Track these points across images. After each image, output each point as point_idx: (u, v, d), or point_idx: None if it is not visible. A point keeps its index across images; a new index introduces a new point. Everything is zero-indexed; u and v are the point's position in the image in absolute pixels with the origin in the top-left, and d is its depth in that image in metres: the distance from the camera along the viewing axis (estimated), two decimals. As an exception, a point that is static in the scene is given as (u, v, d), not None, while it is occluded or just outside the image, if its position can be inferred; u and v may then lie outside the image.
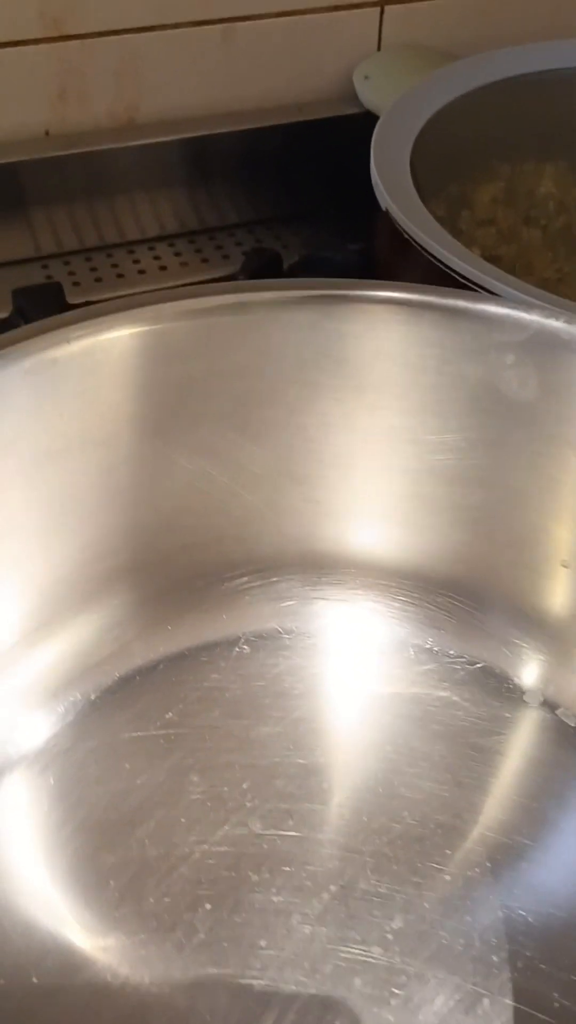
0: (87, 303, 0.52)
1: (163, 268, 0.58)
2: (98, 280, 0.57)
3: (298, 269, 0.56)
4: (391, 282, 0.32)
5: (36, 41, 0.54)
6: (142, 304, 0.31)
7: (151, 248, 0.60)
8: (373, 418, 0.33)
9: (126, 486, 0.34)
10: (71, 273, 0.58)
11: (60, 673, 0.34)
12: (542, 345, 0.30)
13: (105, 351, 0.31)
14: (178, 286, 0.56)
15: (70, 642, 0.35)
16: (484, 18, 0.62)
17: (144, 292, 0.31)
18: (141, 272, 0.58)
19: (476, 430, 0.32)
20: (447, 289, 0.31)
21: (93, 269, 0.58)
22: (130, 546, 0.35)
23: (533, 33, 0.62)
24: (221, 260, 0.59)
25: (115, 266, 0.58)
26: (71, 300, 0.52)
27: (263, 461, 0.34)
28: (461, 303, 0.31)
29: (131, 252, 0.59)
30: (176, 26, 0.57)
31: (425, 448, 0.33)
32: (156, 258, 0.59)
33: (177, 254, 0.60)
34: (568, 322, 0.29)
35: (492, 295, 0.33)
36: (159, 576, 0.36)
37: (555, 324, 0.30)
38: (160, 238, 0.60)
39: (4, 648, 0.32)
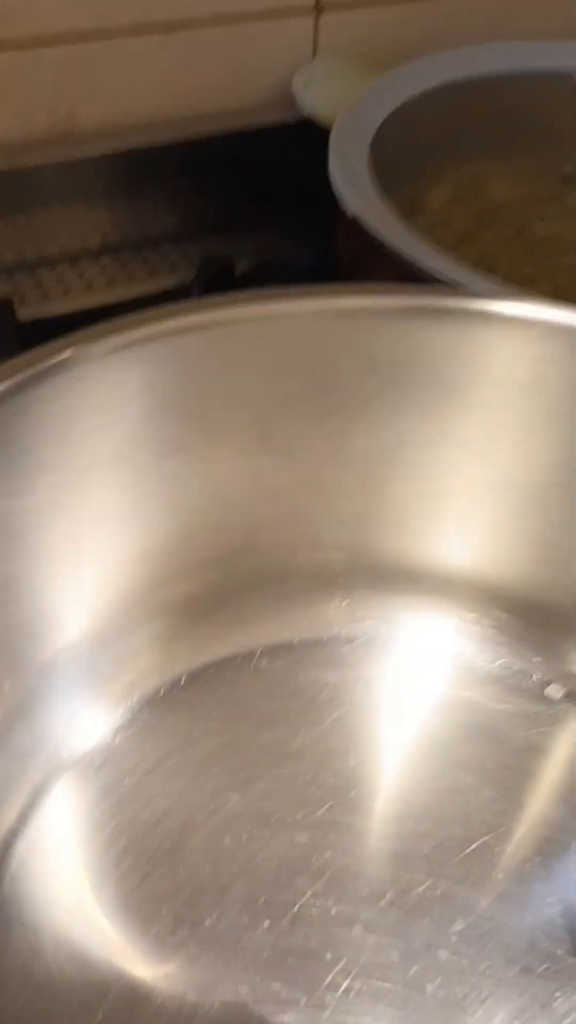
0: (36, 320, 0.52)
1: (110, 281, 0.57)
2: (44, 296, 0.56)
3: (253, 275, 0.55)
4: (391, 285, 0.32)
5: (-28, 50, 0.52)
6: (160, 318, 0.30)
7: (96, 260, 0.59)
8: (387, 425, 0.33)
9: (146, 506, 0.33)
10: (16, 289, 0.56)
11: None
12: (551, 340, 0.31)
13: (127, 366, 0.30)
14: (125, 300, 0.55)
15: (88, 664, 0.34)
16: (417, 24, 0.63)
17: (159, 308, 0.30)
18: (88, 286, 0.57)
19: (513, 428, 0.32)
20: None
21: (39, 284, 0.57)
22: (150, 565, 0.34)
23: (464, 37, 0.63)
24: (168, 271, 0.59)
25: (61, 280, 0.57)
26: (21, 317, 0.51)
27: (283, 471, 0.34)
28: (489, 306, 0.31)
29: (76, 265, 0.58)
30: (113, 34, 0.56)
31: (438, 448, 0.34)
32: (102, 270, 0.58)
33: (123, 266, 0.59)
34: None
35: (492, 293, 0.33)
36: (177, 594, 0.35)
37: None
38: (105, 250, 0.59)
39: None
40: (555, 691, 0.35)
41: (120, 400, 0.31)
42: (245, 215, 0.61)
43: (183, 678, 0.35)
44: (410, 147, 0.54)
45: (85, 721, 0.34)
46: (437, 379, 0.32)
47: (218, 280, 0.54)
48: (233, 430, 0.32)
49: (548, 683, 0.36)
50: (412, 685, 0.36)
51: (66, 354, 0.29)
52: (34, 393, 0.28)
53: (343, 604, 0.37)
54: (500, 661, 0.36)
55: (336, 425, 0.33)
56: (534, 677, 0.36)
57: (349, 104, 0.53)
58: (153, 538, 0.33)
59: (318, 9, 0.61)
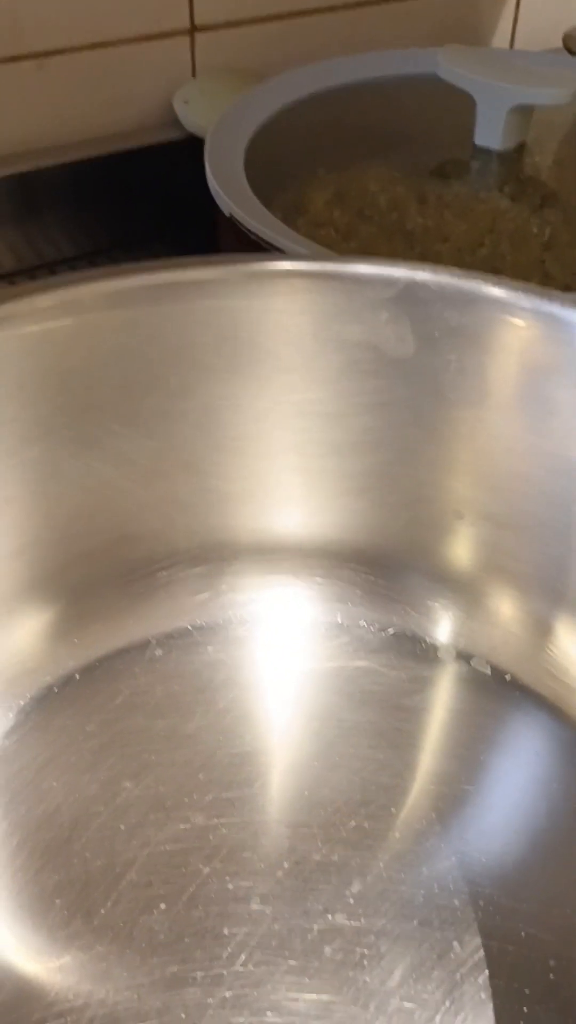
0: None
1: (6, 305, 0.57)
2: None
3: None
4: (257, 254, 0.33)
5: None
6: (11, 297, 0.30)
7: (-10, 287, 0.59)
8: (259, 396, 0.34)
9: (14, 495, 0.33)
10: None
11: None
12: (413, 299, 0.31)
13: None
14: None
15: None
16: (289, 40, 0.65)
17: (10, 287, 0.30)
18: (-16, 311, 0.57)
19: (360, 394, 0.33)
20: (315, 254, 0.31)
21: None
22: (26, 559, 0.34)
23: (333, 51, 0.65)
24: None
25: (-45, 308, 0.57)
26: None
27: (153, 453, 0.34)
28: (331, 266, 0.32)
29: (-30, 293, 0.58)
30: (-11, 64, 0.56)
31: (313, 420, 0.34)
32: (-3, 296, 0.58)
33: (18, 290, 0.59)
34: (434, 273, 0.31)
35: (361, 256, 0.34)
36: (59, 588, 0.35)
37: (423, 275, 0.31)
38: (0, 276, 0.59)
39: None
40: (446, 653, 0.36)
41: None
42: (135, 233, 0.62)
43: (77, 674, 0.35)
44: (287, 153, 0.55)
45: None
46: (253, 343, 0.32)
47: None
48: (96, 410, 0.32)
49: (435, 645, 0.36)
50: (303, 659, 0.36)
51: None
52: None
53: (232, 587, 0.37)
54: (388, 630, 0.36)
55: (199, 400, 0.33)
56: (423, 640, 0.36)
57: (222, 113, 0.54)
58: (28, 531, 0.33)
59: (193, 29, 0.62)
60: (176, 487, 0.35)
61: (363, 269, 0.31)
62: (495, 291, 0.30)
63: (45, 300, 0.30)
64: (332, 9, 0.66)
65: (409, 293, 0.31)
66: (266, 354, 0.32)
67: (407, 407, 0.33)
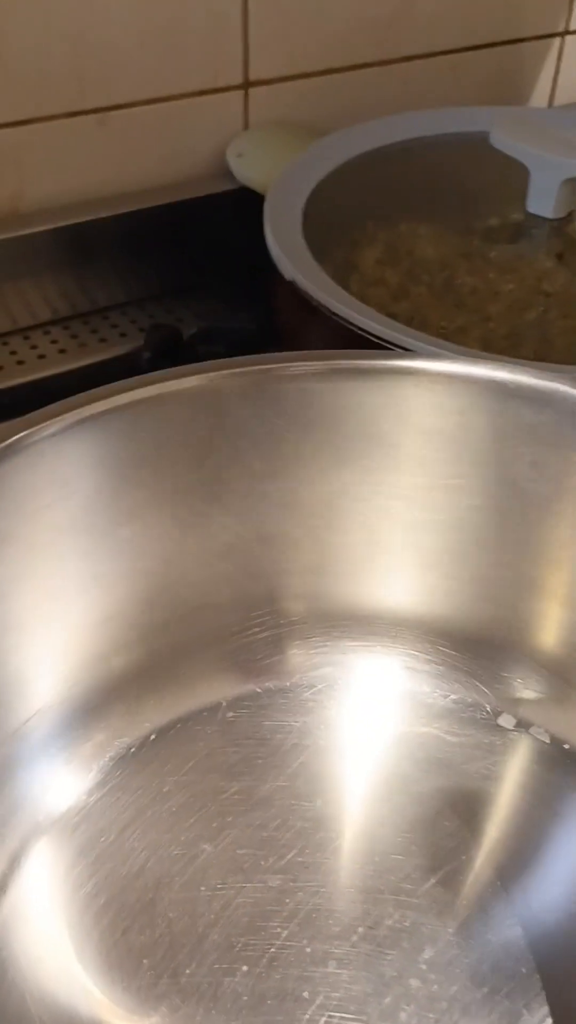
0: (-7, 392, 0.54)
1: (62, 351, 0.59)
2: (0, 368, 0.58)
3: (198, 340, 0.57)
4: (339, 351, 0.34)
5: None
6: (107, 395, 0.32)
7: (46, 332, 0.61)
8: (337, 477, 0.35)
9: (106, 571, 0.34)
10: (-28, 364, 0.58)
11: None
12: (490, 395, 0.33)
13: (78, 441, 0.32)
14: (80, 368, 0.57)
15: (59, 728, 0.35)
16: (339, 94, 0.66)
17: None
18: (41, 356, 0.59)
19: (437, 477, 0.35)
20: (393, 353, 0.33)
21: (-7, 358, 0.58)
22: (110, 628, 0.35)
23: (384, 105, 0.67)
24: (118, 338, 0.61)
25: (13, 353, 0.59)
26: (-23, 390, 0.53)
27: (234, 529, 0.35)
28: (413, 364, 0.33)
29: (27, 338, 0.60)
30: (52, 118, 0.58)
31: (388, 500, 0.36)
32: (53, 342, 0.60)
33: (74, 336, 0.61)
34: (512, 372, 0.32)
35: (443, 355, 0.36)
36: (139, 654, 0.37)
37: (502, 375, 0.32)
38: (54, 322, 0.61)
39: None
40: (507, 721, 0.37)
41: (74, 474, 0.32)
42: (188, 282, 0.64)
43: (152, 735, 0.37)
44: (341, 211, 0.57)
45: (59, 784, 0.35)
46: (370, 433, 0.34)
47: (166, 345, 0.57)
48: (183, 493, 0.34)
49: (500, 713, 0.37)
50: (371, 724, 0.37)
51: (21, 434, 0.31)
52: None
53: (302, 652, 0.38)
54: (452, 696, 0.38)
55: (281, 482, 0.35)
56: (487, 708, 0.38)
57: (280, 173, 0.56)
58: (113, 602, 0.35)
59: (247, 84, 0.64)
60: (252, 560, 0.36)
61: (441, 367, 0.33)
62: (572, 392, 0.32)
63: (139, 393, 0.32)
64: (381, 63, 0.67)
65: (487, 390, 0.33)
66: (345, 440, 0.34)
67: (482, 495, 0.34)
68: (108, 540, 0.33)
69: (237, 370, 0.33)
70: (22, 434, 0.30)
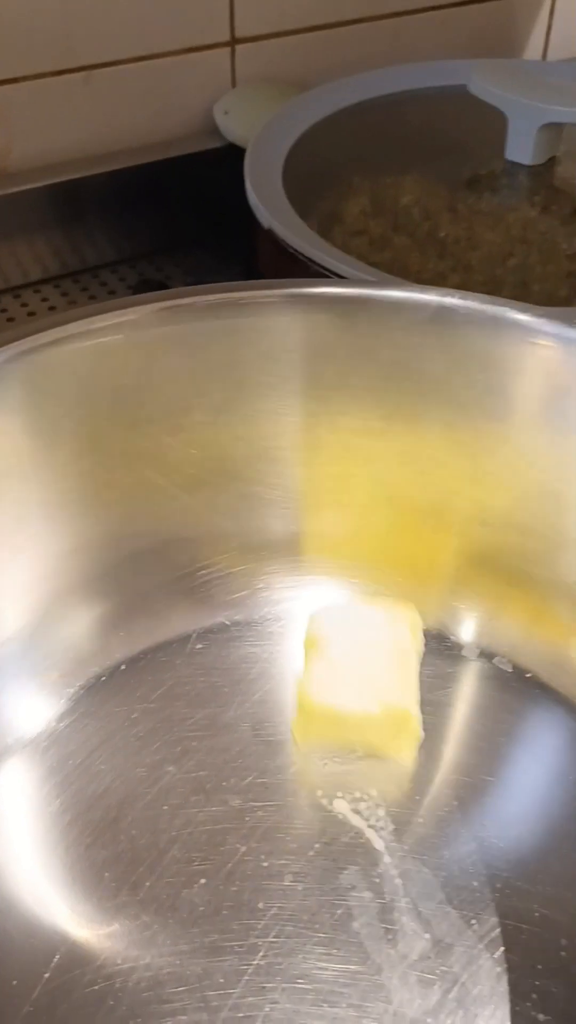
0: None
1: (52, 309, 0.60)
2: (-10, 326, 0.58)
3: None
4: (289, 279, 0.35)
5: None
6: (73, 319, 0.32)
7: (37, 291, 0.61)
8: (296, 409, 0.36)
9: (70, 500, 0.35)
10: (-38, 321, 0.58)
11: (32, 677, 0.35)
12: (442, 322, 0.33)
13: (43, 369, 0.33)
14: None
15: (29, 656, 0.36)
16: (327, 50, 0.67)
17: (73, 310, 0.33)
18: (31, 314, 0.60)
19: (392, 408, 0.35)
20: (351, 280, 0.34)
21: (-17, 315, 0.59)
22: (79, 559, 0.36)
23: (372, 60, 0.67)
24: (107, 296, 0.61)
25: (4, 311, 0.60)
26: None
27: (197, 462, 0.36)
28: (367, 291, 0.34)
29: (17, 296, 0.61)
30: (40, 76, 0.59)
31: (346, 434, 0.36)
32: (44, 300, 0.61)
33: (64, 294, 0.61)
34: (463, 298, 0.33)
35: (395, 282, 0.36)
36: (109, 586, 0.37)
37: (452, 301, 0.33)
38: (45, 280, 0.62)
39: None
40: (470, 651, 0.38)
41: (32, 402, 0.33)
42: (177, 239, 0.64)
43: (123, 665, 0.38)
44: (324, 164, 0.57)
45: (30, 709, 0.36)
46: (328, 364, 0.34)
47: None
48: (144, 424, 0.34)
49: (464, 644, 0.38)
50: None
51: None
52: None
53: (270, 586, 0.39)
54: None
55: (243, 413, 0.35)
56: (451, 639, 0.38)
57: (262, 125, 0.56)
58: (79, 533, 0.36)
59: (233, 41, 0.64)
60: (218, 493, 0.37)
61: (397, 294, 0.33)
62: (520, 316, 0.32)
63: (100, 321, 0.32)
64: (369, 19, 0.67)
65: (439, 317, 0.33)
66: (304, 371, 0.35)
67: (437, 421, 0.35)
68: (70, 471, 0.34)
69: (197, 297, 0.34)
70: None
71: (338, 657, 0.35)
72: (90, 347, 0.33)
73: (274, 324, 0.34)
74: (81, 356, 0.33)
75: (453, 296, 0.33)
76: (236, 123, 0.63)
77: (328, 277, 0.44)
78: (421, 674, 0.36)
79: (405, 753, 0.34)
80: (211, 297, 0.34)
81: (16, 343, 0.31)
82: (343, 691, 0.34)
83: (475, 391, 0.34)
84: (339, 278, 0.42)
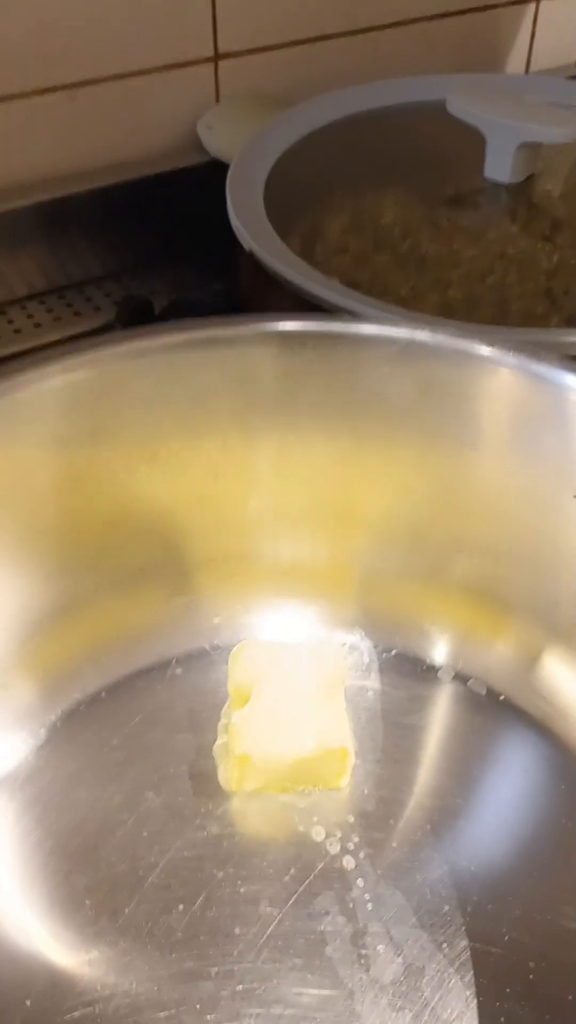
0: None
1: (37, 325, 0.60)
2: (-24, 343, 0.59)
3: (169, 312, 0.58)
4: (263, 315, 0.35)
5: None
6: (49, 360, 0.33)
7: (23, 307, 0.62)
8: (269, 436, 0.36)
9: (48, 528, 0.36)
10: (-50, 339, 0.59)
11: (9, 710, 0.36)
12: (413, 355, 0.34)
13: (21, 405, 0.33)
14: (56, 341, 0.58)
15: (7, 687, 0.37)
16: (309, 64, 0.67)
17: (46, 346, 0.33)
18: (17, 331, 0.60)
19: (365, 436, 0.36)
20: (324, 317, 0.34)
21: (-30, 334, 0.60)
22: (57, 586, 0.37)
23: (355, 73, 0.67)
24: (93, 311, 0.62)
25: (-9, 328, 0.60)
26: (-47, 365, 0.54)
27: (171, 489, 0.37)
28: (338, 326, 0.34)
29: (3, 313, 0.61)
30: (22, 95, 0.59)
31: (322, 458, 0.37)
32: (29, 316, 0.61)
33: (49, 310, 0.62)
34: (432, 332, 0.33)
35: (366, 318, 0.37)
36: (87, 613, 0.38)
37: (422, 336, 0.33)
38: (30, 297, 0.62)
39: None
40: (444, 674, 0.38)
41: (9, 432, 0.34)
42: (161, 255, 0.65)
43: (102, 692, 0.38)
44: (306, 181, 0.57)
45: (8, 740, 0.36)
46: (303, 396, 0.35)
47: (138, 317, 0.58)
48: (119, 454, 0.35)
49: (439, 668, 0.39)
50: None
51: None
52: None
53: (250, 610, 0.40)
54: (394, 651, 0.39)
55: (217, 442, 0.36)
56: (426, 663, 0.39)
57: (243, 145, 0.57)
58: (59, 559, 0.36)
59: (216, 57, 0.64)
60: (194, 519, 0.38)
61: (368, 330, 0.34)
62: (485, 351, 0.33)
63: (75, 358, 0.33)
64: (351, 33, 0.68)
65: (409, 351, 0.34)
66: (278, 399, 0.35)
67: (408, 448, 0.35)
68: (48, 501, 0.35)
69: (169, 336, 0.34)
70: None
71: (266, 700, 0.35)
72: (66, 383, 0.34)
73: (248, 356, 0.35)
74: (57, 392, 0.34)
75: (423, 330, 0.33)
76: (220, 138, 0.64)
77: (308, 301, 0.45)
78: (394, 696, 0.37)
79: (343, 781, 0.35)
80: (185, 336, 0.34)
81: (6, 378, 0.32)
82: (276, 737, 0.34)
83: (445, 420, 0.34)
84: (316, 308, 0.43)
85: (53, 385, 0.33)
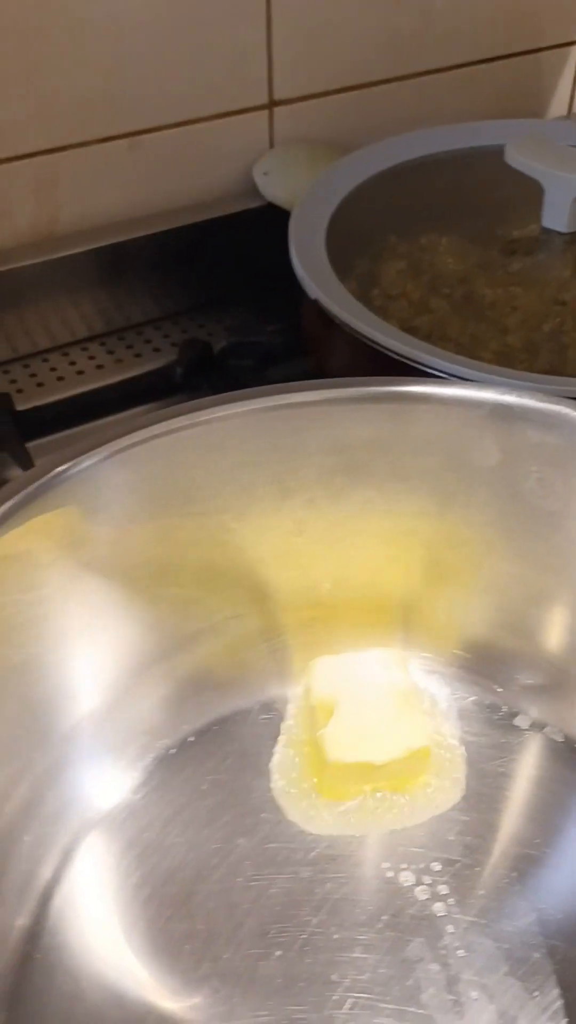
0: (35, 408, 0.56)
1: (100, 367, 0.62)
2: (40, 385, 0.60)
3: (227, 353, 0.60)
4: (355, 379, 0.37)
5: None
6: (151, 423, 0.34)
7: (84, 349, 0.63)
8: (353, 494, 0.38)
9: (143, 585, 0.37)
10: (12, 381, 0.60)
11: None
12: (498, 418, 0.35)
13: (126, 466, 0.35)
14: (117, 383, 0.60)
15: (104, 732, 0.38)
16: (359, 111, 0.68)
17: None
18: (79, 372, 0.62)
19: (445, 495, 0.37)
20: (401, 380, 0.36)
21: (33, 375, 0.61)
22: (151, 639, 0.38)
23: (402, 119, 0.69)
24: (152, 352, 0.63)
25: (53, 369, 0.62)
26: (19, 407, 0.56)
27: (259, 542, 0.38)
28: (419, 389, 0.36)
29: (66, 355, 0.63)
30: (86, 143, 0.61)
31: (404, 517, 0.38)
32: (91, 358, 0.63)
33: (110, 352, 0.63)
34: (519, 396, 0.35)
35: (448, 377, 0.38)
36: (176, 663, 0.39)
37: (510, 399, 0.35)
38: (91, 338, 0.64)
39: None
40: (522, 721, 0.40)
41: (113, 500, 0.35)
42: (218, 297, 0.66)
43: (191, 736, 0.39)
44: (364, 226, 0.59)
45: (107, 782, 0.38)
46: (385, 455, 0.36)
47: (198, 360, 0.59)
48: (208, 515, 0.36)
49: (515, 715, 0.40)
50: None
51: (61, 468, 0.34)
52: (36, 505, 0.32)
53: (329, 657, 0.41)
54: (471, 698, 0.40)
55: (300, 500, 0.37)
56: (503, 709, 0.40)
57: (305, 190, 0.58)
58: (153, 613, 0.38)
59: (271, 104, 0.66)
60: (280, 573, 0.39)
61: (455, 392, 0.35)
62: (573, 415, 0.34)
63: (177, 422, 0.34)
64: (400, 79, 0.69)
65: (496, 413, 0.35)
66: (364, 460, 0.36)
67: (490, 508, 0.37)
68: (143, 557, 0.36)
69: (261, 401, 0.36)
70: (59, 469, 0.33)
71: (351, 709, 0.37)
72: (166, 443, 0.35)
73: (340, 420, 0.36)
74: (157, 453, 0.35)
75: (511, 394, 0.35)
76: (274, 184, 0.65)
77: (372, 347, 0.46)
78: (473, 743, 0.38)
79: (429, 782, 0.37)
80: (275, 399, 0.35)
81: (108, 444, 0.33)
82: (364, 743, 0.37)
83: (528, 482, 0.36)
84: (381, 355, 0.44)
85: (154, 444, 0.34)
